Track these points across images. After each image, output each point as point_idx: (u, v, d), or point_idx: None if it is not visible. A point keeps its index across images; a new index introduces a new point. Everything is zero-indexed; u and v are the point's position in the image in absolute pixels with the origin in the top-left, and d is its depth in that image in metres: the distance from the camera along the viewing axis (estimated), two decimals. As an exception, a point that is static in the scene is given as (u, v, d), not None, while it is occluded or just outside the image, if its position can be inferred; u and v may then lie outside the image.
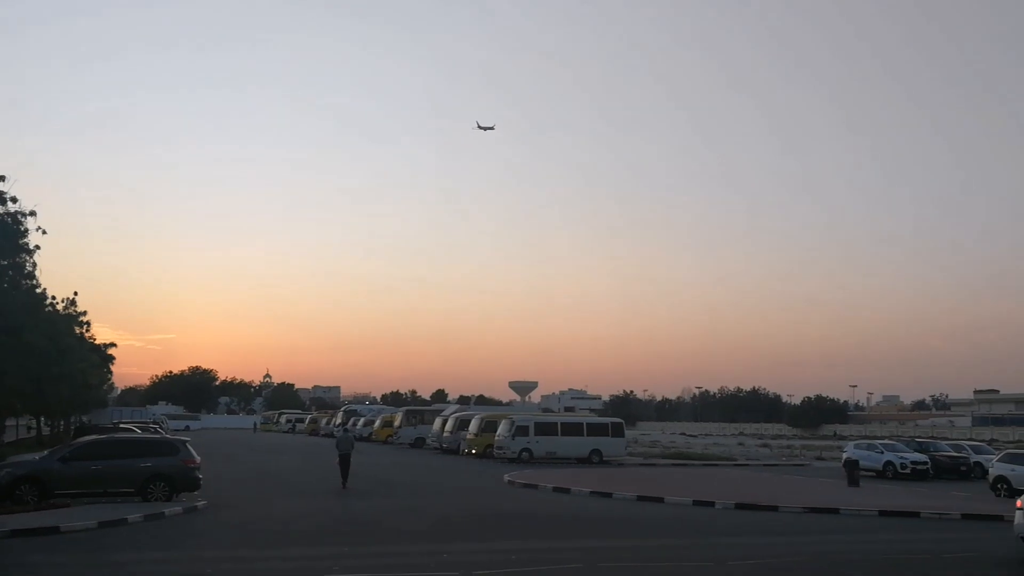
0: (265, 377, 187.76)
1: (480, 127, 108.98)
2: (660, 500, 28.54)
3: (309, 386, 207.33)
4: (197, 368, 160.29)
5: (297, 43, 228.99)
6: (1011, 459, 32.45)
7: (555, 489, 31.35)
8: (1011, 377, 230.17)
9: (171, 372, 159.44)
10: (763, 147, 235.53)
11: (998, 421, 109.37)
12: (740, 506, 27.22)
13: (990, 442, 65.27)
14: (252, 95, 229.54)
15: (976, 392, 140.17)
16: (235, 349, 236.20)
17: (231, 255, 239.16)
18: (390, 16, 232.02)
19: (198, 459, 25.32)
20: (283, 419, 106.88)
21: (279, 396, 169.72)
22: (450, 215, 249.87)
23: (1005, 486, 30.98)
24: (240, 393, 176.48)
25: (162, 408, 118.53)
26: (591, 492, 30.31)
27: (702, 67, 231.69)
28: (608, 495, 29.70)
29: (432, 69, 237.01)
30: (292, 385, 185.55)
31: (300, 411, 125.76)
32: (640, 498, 28.97)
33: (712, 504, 27.61)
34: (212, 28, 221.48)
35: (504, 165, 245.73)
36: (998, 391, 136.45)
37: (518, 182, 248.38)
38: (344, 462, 31.64)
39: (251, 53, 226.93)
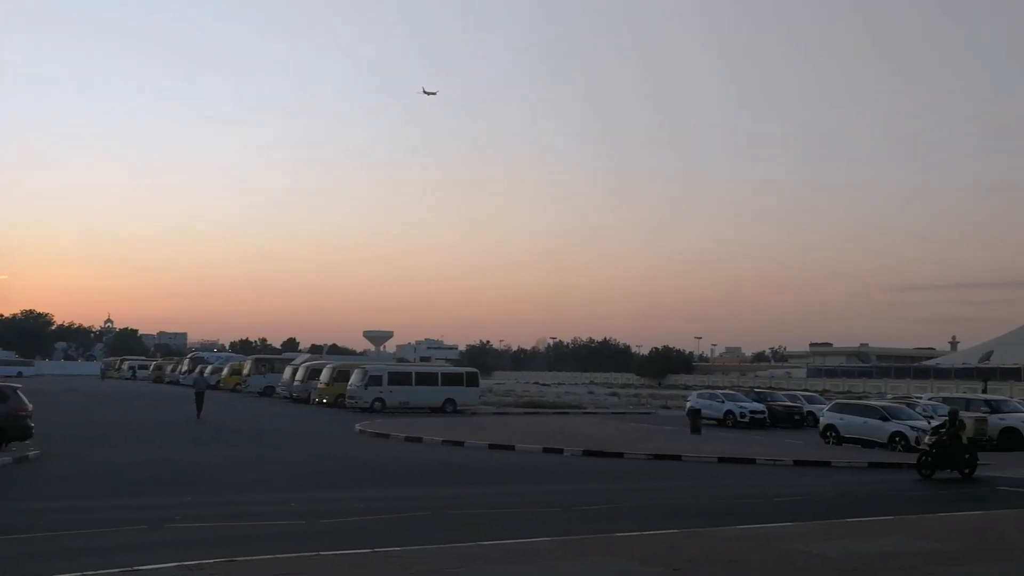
0: (106, 322, 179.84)
1: (425, 92, 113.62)
2: (511, 448, 28.92)
3: (154, 332, 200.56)
4: (31, 311, 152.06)
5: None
6: (840, 409, 34.25)
7: (407, 438, 31.33)
8: (843, 332, 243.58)
9: (1, 315, 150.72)
10: (624, 96, 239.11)
11: (830, 373, 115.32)
12: (588, 453, 27.87)
13: (823, 392, 68.78)
14: (102, 11, 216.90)
15: (811, 345, 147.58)
16: (73, 292, 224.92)
17: (70, 193, 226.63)
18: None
19: (30, 406, 23.99)
20: (125, 365, 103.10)
21: (121, 342, 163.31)
22: (306, 160, 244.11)
23: (833, 434, 32.70)
24: (79, 338, 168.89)
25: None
26: (443, 441, 30.43)
27: (574, 12, 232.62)
28: (460, 444, 29.89)
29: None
30: (136, 331, 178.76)
31: (144, 357, 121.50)
32: (491, 446, 29.28)
33: (561, 451, 28.16)
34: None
35: (361, 114, 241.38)
36: (831, 344, 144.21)
37: (373, 130, 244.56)
38: (199, 398, 39.85)
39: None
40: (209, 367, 74.47)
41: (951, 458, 23.71)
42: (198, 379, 46.00)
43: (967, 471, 23.83)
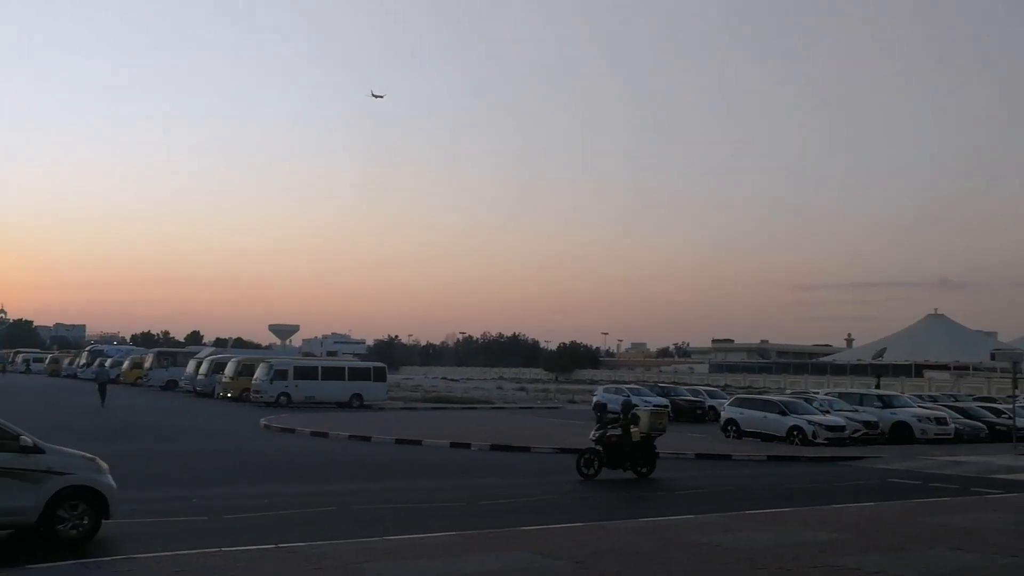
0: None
1: (374, 95, 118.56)
2: (418, 443, 28.86)
3: (50, 324, 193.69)
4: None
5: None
6: (740, 403, 35.10)
7: (313, 433, 31.00)
8: (744, 328, 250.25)
9: None
10: (538, 103, 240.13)
11: (732, 368, 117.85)
12: (495, 447, 27.97)
13: (724, 388, 70.23)
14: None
15: (714, 341, 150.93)
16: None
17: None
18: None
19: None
20: (19, 358, 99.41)
21: (16, 334, 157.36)
22: (211, 153, 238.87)
23: (734, 428, 33.51)
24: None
25: None
26: (350, 436, 30.21)
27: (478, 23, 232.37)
28: (367, 439, 29.71)
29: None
30: (31, 322, 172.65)
31: (39, 350, 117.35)
32: (399, 441, 29.18)
33: (468, 446, 28.21)
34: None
35: (268, 110, 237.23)
36: (733, 341, 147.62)
37: (279, 123, 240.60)
38: (102, 388, 43.57)
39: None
40: (109, 361, 72.46)
41: (622, 456, 21.26)
42: (100, 371, 48.94)
43: (643, 470, 21.53)
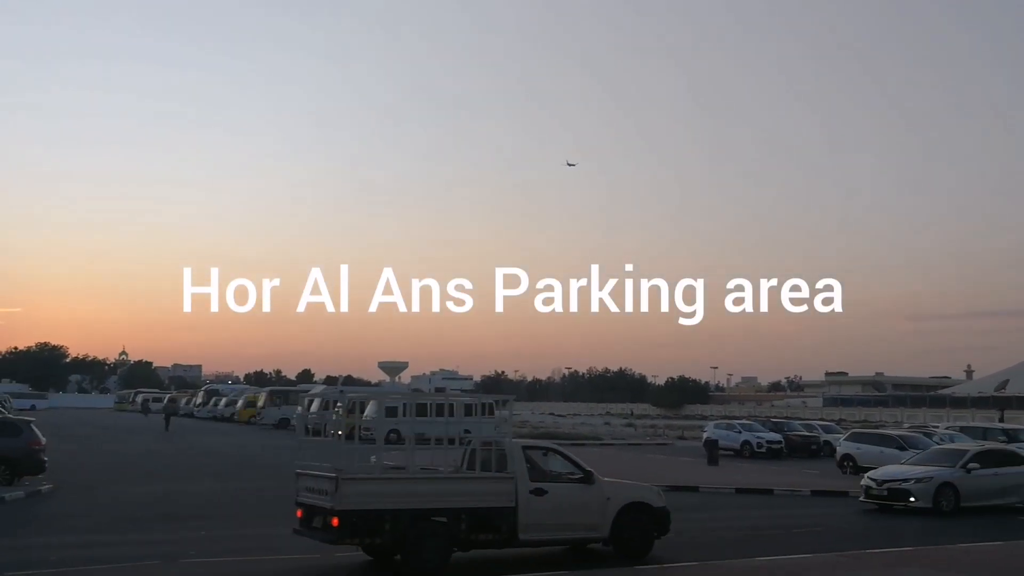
0: (121, 354, 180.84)
1: (568, 164, 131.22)
2: (526, 480, 28.65)
3: (168, 364, 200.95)
4: (45, 344, 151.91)
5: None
6: (857, 438, 33.94)
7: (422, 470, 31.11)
8: (858, 361, 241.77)
9: (16, 348, 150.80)
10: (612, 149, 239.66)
11: (846, 402, 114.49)
12: (604, 485, 27.55)
13: (839, 422, 68.00)
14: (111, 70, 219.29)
15: (827, 374, 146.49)
16: (88, 325, 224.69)
17: (83, 226, 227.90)
18: None
19: (43, 440, 23.98)
20: (139, 398, 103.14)
21: (136, 374, 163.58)
22: (324, 197, 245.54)
23: (851, 463, 32.34)
24: (93, 371, 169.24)
25: (5, 386, 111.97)
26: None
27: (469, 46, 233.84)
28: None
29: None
30: (150, 363, 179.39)
31: (158, 390, 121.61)
32: (506, 478, 29.03)
33: (577, 483, 27.86)
34: None
35: (374, 149, 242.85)
36: (847, 374, 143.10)
37: (385, 163, 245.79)
38: (167, 419, 56.99)
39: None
40: (224, 400, 74.90)
41: None
42: (167, 405, 64.73)
43: None
